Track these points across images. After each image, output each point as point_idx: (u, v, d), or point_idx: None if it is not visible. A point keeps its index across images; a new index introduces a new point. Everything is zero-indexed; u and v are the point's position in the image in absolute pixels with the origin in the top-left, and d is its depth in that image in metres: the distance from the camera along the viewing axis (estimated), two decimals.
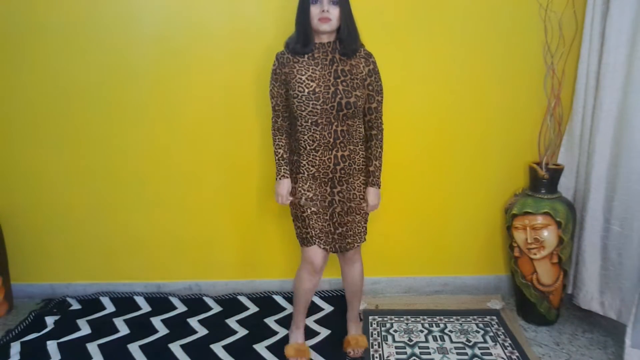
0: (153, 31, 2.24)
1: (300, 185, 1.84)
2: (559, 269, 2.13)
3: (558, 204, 2.09)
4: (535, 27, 2.14)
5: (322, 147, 1.79)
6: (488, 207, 2.42)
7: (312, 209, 1.84)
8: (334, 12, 1.69)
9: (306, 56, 1.76)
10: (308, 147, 1.79)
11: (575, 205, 2.20)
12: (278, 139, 1.89)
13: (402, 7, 2.18)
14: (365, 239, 1.97)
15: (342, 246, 1.92)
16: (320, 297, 2.50)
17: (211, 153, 2.37)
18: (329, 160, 1.80)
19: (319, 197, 1.85)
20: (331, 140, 1.78)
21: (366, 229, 1.96)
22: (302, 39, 1.73)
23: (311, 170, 1.82)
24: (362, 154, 1.86)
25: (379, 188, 1.91)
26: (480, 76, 2.25)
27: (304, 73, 1.75)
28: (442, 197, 2.42)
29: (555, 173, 2.14)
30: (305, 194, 1.83)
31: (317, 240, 1.85)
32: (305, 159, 1.81)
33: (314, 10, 1.68)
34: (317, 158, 1.80)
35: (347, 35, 1.73)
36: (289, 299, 2.49)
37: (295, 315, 2.05)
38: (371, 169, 1.88)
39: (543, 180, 2.14)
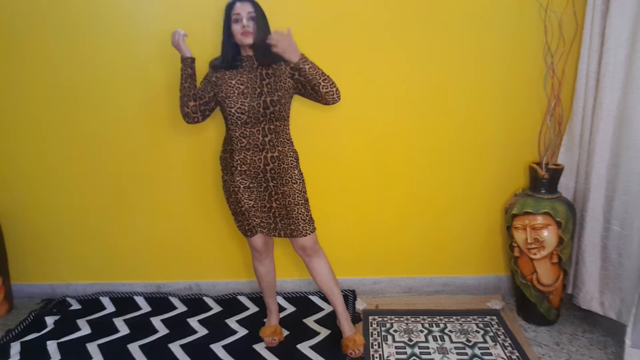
0: (155, 27, 2.24)
1: (235, 176, 1.94)
2: (559, 269, 2.13)
3: (558, 204, 2.09)
4: (535, 27, 2.14)
5: (252, 146, 1.90)
6: (488, 207, 2.42)
7: (250, 202, 1.96)
8: (252, 25, 1.85)
9: (237, 67, 1.93)
10: (240, 145, 1.91)
11: (575, 205, 2.20)
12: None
13: (402, 6, 2.17)
14: (314, 229, 2.00)
15: (287, 233, 2.00)
16: (320, 298, 2.50)
17: (212, 153, 2.37)
18: (259, 160, 1.92)
19: (255, 185, 1.96)
20: (260, 138, 1.90)
21: (311, 218, 2.00)
22: (230, 56, 1.90)
23: (243, 168, 1.93)
24: (291, 154, 1.97)
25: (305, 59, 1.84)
26: (480, 76, 2.25)
27: (233, 78, 1.91)
28: (442, 197, 2.42)
29: (555, 173, 2.14)
30: (243, 182, 1.94)
31: (259, 229, 2.02)
32: (237, 155, 1.92)
33: (236, 28, 1.85)
34: (249, 157, 1.92)
35: (263, 47, 1.84)
36: (289, 299, 2.49)
37: (265, 300, 2.23)
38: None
39: (543, 180, 2.14)
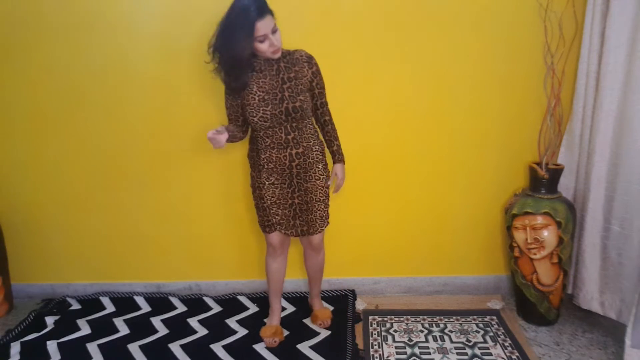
0: (155, 30, 2.24)
1: (262, 174, 1.97)
2: (559, 269, 2.13)
3: (558, 204, 2.09)
4: (535, 27, 2.14)
5: (276, 145, 1.92)
6: (488, 207, 2.42)
7: (272, 199, 1.98)
8: (279, 37, 1.81)
9: (255, 70, 1.88)
10: (264, 145, 1.94)
11: (575, 205, 2.20)
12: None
13: (402, 6, 2.17)
14: (328, 223, 2.09)
15: (304, 230, 2.05)
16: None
17: (211, 153, 2.37)
18: (285, 157, 1.94)
19: (280, 182, 1.98)
20: (283, 137, 1.91)
21: (327, 214, 2.08)
22: (246, 77, 1.84)
23: (269, 165, 1.96)
24: (317, 148, 2.00)
25: (344, 163, 2.13)
26: (480, 76, 2.25)
27: (253, 83, 1.88)
28: (443, 197, 2.42)
29: (555, 173, 2.14)
30: (269, 179, 1.97)
31: (277, 227, 2.03)
32: (263, 154, 1.95)
33: (263, 47, 1.79)
34: (274, 155, 1.94)
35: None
36: (289, 299, 2.49)
37: (270, 298, 2.23)
38: (334, 148, 2.10)
39: (543, 180, 2.14)
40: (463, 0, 2.16)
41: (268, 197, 1.98)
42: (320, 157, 2.01)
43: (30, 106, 2.36)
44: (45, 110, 2.36)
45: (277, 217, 2.01)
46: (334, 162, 2.11)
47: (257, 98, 1.86)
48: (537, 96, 2.22)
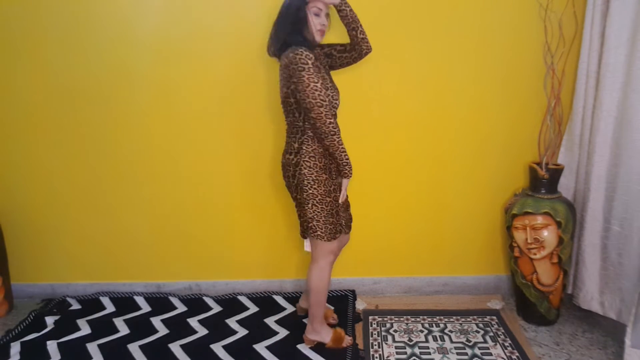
0: (152, 29, 2.24)
1: (332, 174, 1.89)
2: (559, 269, 2.13)
3: (558, 204, 2.09)
4: (535, 27, 2.14)
5: None
6: (488, 207, 2.42)
7: (339, 201, 1.93)
8: (327, 24, 1.84)
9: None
10: None
11: (575, 205, 2.20)
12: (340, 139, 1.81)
13: (402, 6, 2.18)
14: None
15: (349, 225, 2.08)
16: None
17: (211, 153, 2.37)
18: None
19: (335, 177, 1.93)
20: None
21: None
22: (311, 42, 1.83)
23: (333, 164, 1.90)
24: None
25: None
26: (480, 76, 2.25)
27: (322, 69, 1.86)
28: (442, 197, 2.42)
29: (555, 173, 2.15)
30: (337, 179, 1.92)
31: (343, 228, 1.99)
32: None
33: (316, 22, 1.79)
34: None
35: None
36: (289, 299, 2.49)
37: (321, 311, 2.04)
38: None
39: (543, 180, 2.14)
40: (463, 0, 2.16)
41: (338, 198, 1.92)
42: None
43: (28, 107, 2.36)
44: (44, 111, 2.36)
45: (342, 219, 1.96)
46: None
47: (330, 84, 1.85)
48: (537, 96, 2.22)
